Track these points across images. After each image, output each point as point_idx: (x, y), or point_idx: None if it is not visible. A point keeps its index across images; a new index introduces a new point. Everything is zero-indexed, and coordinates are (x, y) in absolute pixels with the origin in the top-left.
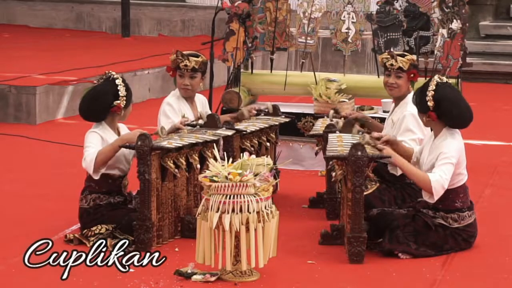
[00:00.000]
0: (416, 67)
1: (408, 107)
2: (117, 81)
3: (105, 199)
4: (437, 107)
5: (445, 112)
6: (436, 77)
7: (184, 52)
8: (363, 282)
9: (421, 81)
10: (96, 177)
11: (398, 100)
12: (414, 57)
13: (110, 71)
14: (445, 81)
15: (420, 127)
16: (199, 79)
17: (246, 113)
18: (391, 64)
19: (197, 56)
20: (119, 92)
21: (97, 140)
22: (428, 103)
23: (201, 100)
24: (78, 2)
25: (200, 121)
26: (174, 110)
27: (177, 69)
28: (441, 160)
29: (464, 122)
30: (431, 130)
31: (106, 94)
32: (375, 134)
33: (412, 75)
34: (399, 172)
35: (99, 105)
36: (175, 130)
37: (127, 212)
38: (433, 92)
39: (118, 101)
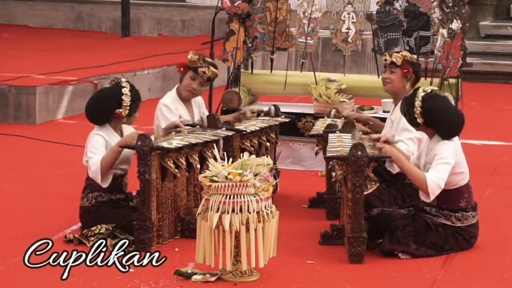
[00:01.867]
0: (411, 64)
1: None
2: (123, 90)
3: (106, 197)
4: (427, 121)
5: (437, 124)
6: (420, 91)
7: (207, 59)
8: (363, 282)
9: (421, 81)
10: (105, 185)
11: (397, 99)
12: (411, 55)
13: (121, 77)
14: (429, 90)
15: None
16: (205, 87)
17: (249, 113)
18: (385, 59)
19: (216, 68)
20: (123, 102)
21: (100, 144)
22: (418, 120)
23: (197, 101)
24: (78, 2)
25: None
26: (171, 111)
27: (192, 70)
28: (437, 161)
29: (456, 130)
30: None
31: (110, 99)
32: (374, 135)
33: (405, 71)
34: (395, 170)
35: (102, 109)
36: (174, 127)
37: (129, 212)
38: (420, 109)
39: (120, 110)
